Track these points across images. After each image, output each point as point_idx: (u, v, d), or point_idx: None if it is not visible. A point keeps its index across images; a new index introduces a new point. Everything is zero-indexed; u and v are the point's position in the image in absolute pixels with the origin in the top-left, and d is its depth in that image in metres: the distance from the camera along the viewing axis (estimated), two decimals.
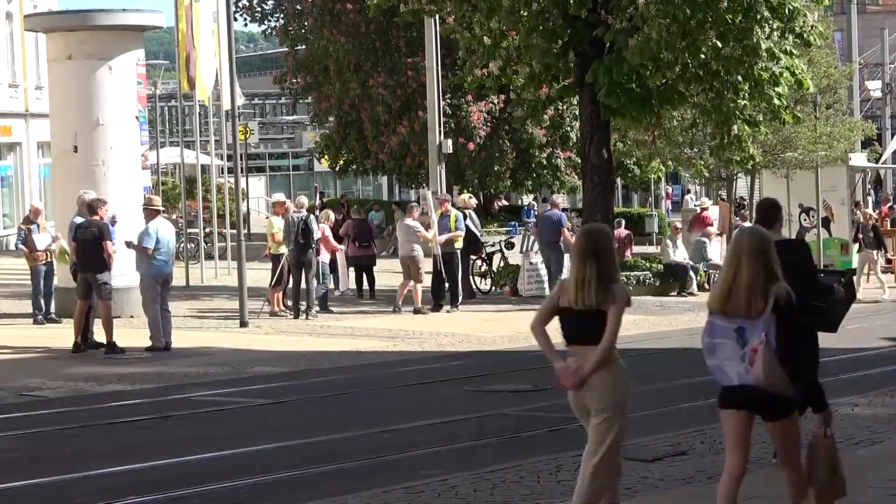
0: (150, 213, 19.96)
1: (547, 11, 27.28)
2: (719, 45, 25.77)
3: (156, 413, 14.26)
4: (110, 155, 23.46)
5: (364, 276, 28.33)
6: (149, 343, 19.59)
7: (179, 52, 29.87)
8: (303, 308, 23.85)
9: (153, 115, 50.18)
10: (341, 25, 46.79)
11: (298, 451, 11.93)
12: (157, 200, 21.03)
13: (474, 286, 28.42)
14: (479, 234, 28.13)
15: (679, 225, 32.43)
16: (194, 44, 29.41)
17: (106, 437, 13.04)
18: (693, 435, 11.86)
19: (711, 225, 29.91)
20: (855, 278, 25.19)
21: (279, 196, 27.75)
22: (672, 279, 29.37)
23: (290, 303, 24.43)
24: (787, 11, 26.05)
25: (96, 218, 19.63)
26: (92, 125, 23.43)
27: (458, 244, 25.89)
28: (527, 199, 55.71)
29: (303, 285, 23.88)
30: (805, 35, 26.57)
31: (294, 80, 50.73)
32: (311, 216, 24.70)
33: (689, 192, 61.17)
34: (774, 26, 26.18)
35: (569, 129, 45.83)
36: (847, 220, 36.07)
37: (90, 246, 19.44)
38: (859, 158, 40.57)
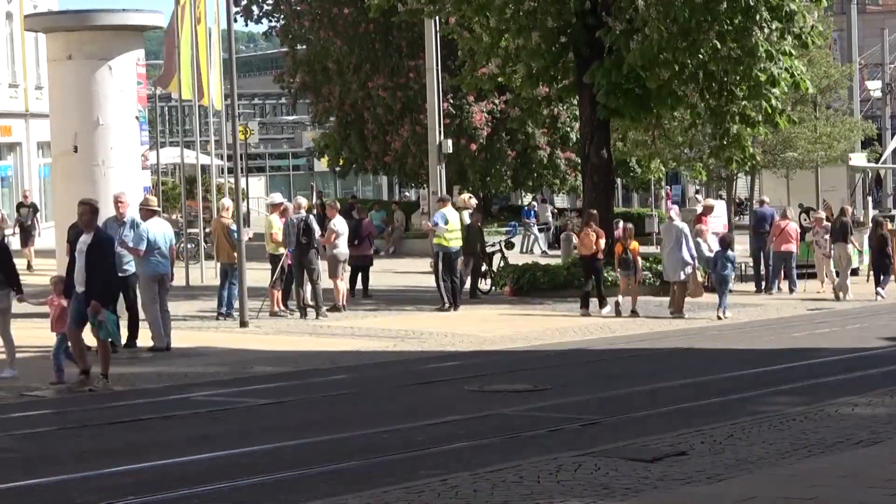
0: (146, 213, 19.96)
1: (542, 12, 27.28)
2: (718, 45, 25.77)
3: (156, 413, 14.25)
4: (110, 155, 23.43)
5: (360, 275, 28.30)
6: (150, 343, 19.58)
7: (180, 52, 29.79)
8: (311, 306, 23.87)
9: (153, 115, 50.09)
10: (338, 27, 46.75)
11: (298, 451, 11.91)
12: (154, 201, 21.01)
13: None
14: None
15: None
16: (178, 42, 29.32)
17: (106, 437, 13.02)
18: (693, 435, 11.85)
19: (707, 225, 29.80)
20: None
21: (276, 196, 27.71)
22: None
23: (292, 304, 24.45)
24: (785, 13, 26.07)
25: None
26: (92, 125, 23.40)
27: (454, 243, 25.80)
28: (527, 199, 55.70)
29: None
30: (804, 37, 26.58)
31: (293, 80, 50.67)
32: (311, 216, 24.71)
33: (697, 191, 61.07)
34: (773, 27, 26.19)
35: (569, 129, 45.79)
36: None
37: None
38: (859, 158, 40.55)
